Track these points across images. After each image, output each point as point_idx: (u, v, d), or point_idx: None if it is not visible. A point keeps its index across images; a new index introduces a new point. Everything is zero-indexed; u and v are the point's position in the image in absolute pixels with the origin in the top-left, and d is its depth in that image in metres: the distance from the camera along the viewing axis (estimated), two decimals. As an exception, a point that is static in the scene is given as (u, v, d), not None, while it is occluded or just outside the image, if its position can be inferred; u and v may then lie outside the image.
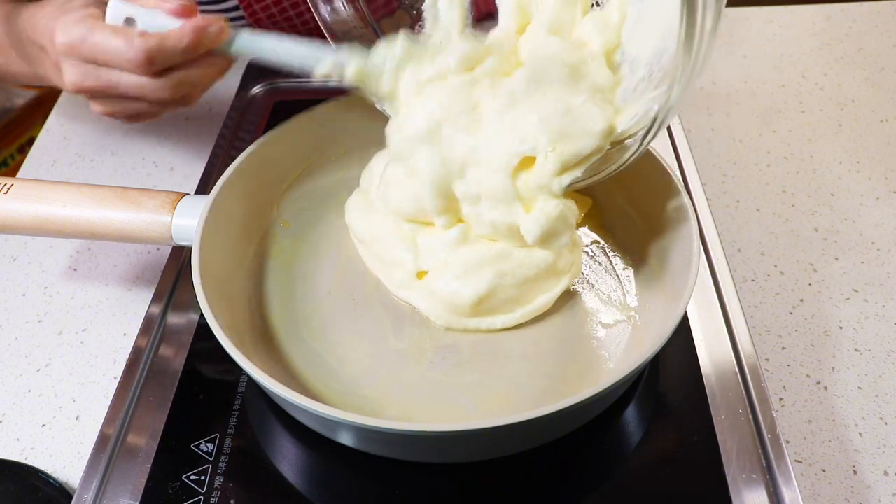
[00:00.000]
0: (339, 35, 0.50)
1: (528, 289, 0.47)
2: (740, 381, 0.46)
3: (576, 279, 0.50)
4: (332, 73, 0.45)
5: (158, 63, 0.42)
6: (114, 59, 0.42)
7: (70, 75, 0.44)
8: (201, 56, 0.43)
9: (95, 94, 0.44)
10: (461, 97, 0.44)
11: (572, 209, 0.45)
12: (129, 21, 0.43)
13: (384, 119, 0.49)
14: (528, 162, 0.43)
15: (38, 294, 0.60)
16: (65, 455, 0.49)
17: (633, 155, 0.41)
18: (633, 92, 0.42)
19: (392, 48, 0.45)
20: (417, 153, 0.45)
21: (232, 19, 0.79)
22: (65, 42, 0.43)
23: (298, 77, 0.75)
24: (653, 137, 0.38)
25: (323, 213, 0.56)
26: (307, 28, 0.78)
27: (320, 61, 0.45)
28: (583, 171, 0.43)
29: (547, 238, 0.45)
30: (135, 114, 0.46)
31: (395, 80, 0.46)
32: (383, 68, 0.45)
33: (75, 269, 0.62)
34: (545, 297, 0.47)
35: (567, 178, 0.43)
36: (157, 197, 0.49)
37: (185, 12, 0.43)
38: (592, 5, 0.46)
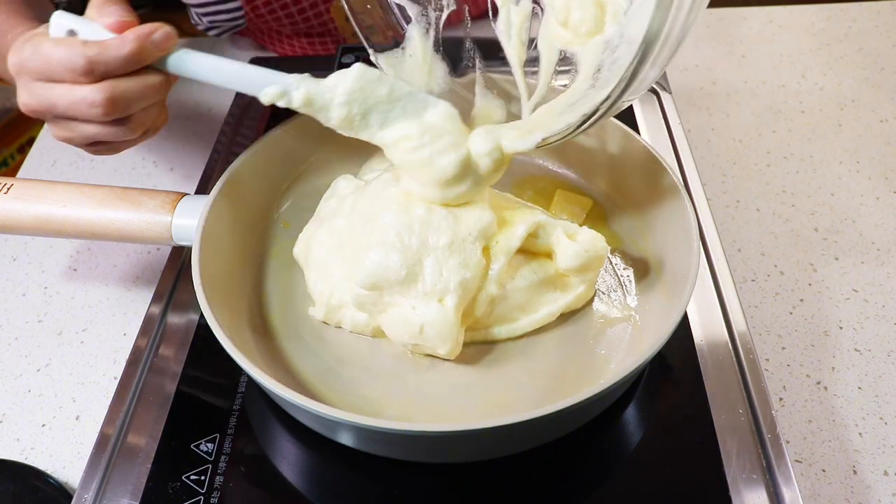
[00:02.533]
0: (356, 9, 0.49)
1: (535, 294, 0.47)
2: (740, 381, 0.46)
3: (584, 302, 0.49)
4: (277, 100, 0.43)
5: (99, 70, 0.40)
6: (57, 68, 0.41)
7: (21, 96, 0.43)
8: (139, 70, 0.42)
9: (44, 114, 0.44)
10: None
11: (608, 250, 0.47)
12: (72, 33, 0.42)
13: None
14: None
15: (38, 294, 0.60)
16: (65, 455, 0.49)
17: (603, 109, 0.39)
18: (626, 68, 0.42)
19: (344, 79, 0.43)
20: None
21: (231, 17, 0.79)
22: (16, 61, 0.42)
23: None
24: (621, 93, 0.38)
25: (323, 213, 0.56)
26: (307, 25, 0.78)
27: (266, 87, 0.42)
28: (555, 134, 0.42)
29: (580, 271, 0.46)
30: (90, 140, 0.44)
31: (345, 111, 0.43)
32: (332, 100, 0.43)
33: (75, 269, 0.62)
34: (550, 307, 0.47)
35: (538, 136, 0.42)
36: (157, 197, 0.49)
37: (122, 28, 0.41)
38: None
